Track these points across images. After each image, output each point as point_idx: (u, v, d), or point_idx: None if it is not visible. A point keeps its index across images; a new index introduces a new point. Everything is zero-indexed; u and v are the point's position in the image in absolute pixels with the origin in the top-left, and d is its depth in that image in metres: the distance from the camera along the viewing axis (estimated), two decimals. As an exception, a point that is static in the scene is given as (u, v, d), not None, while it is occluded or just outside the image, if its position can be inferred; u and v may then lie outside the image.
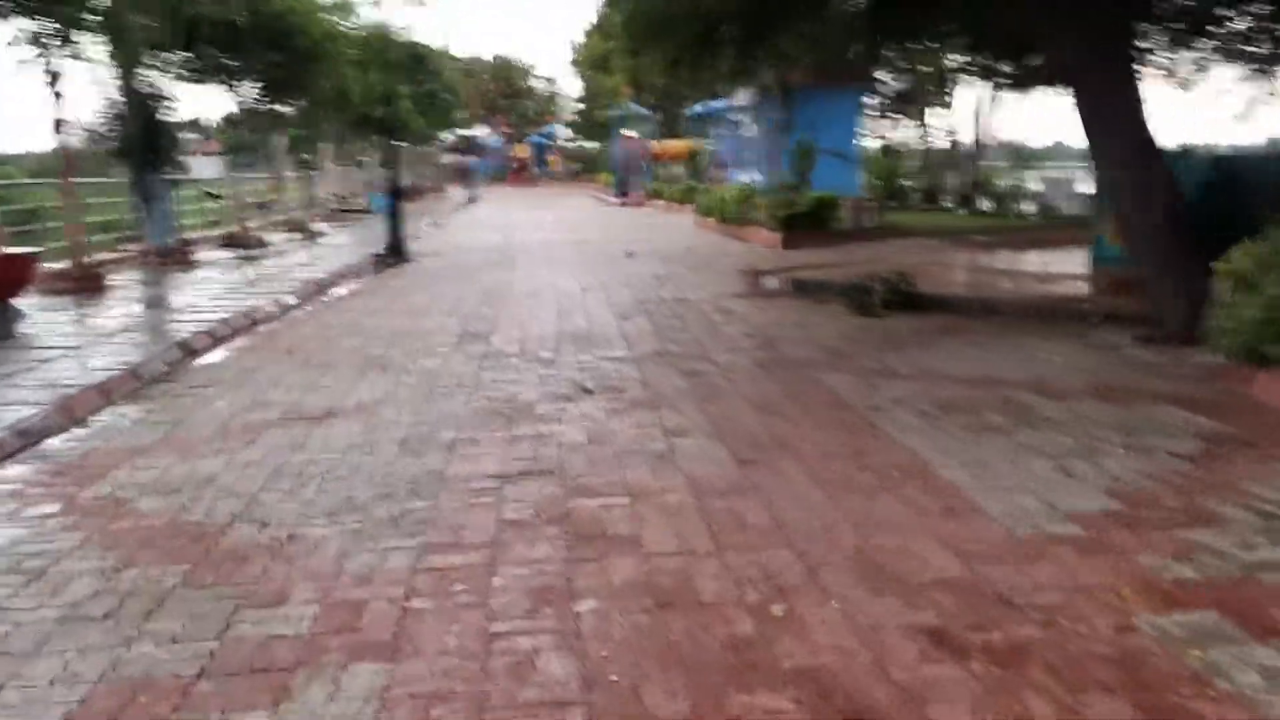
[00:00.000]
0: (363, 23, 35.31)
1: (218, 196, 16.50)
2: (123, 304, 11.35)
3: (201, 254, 16.53)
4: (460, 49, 53.18)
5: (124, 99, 14.28)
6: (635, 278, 14.22)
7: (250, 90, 19.83)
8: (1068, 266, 13.31)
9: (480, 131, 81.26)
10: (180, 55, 17.92)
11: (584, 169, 73.82)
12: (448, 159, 68.69)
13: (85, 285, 12.20)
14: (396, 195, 17.71)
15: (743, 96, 26.93)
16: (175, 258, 14.99)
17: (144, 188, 14.74)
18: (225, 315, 10.37)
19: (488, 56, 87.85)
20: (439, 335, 9.82)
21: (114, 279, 13.25)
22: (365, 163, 30.84)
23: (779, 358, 8.45)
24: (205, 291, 12.48)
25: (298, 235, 21.68)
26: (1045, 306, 10.42)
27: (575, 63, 76.55)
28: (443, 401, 7.22)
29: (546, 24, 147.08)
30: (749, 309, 11.05)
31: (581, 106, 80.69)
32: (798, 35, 14.27)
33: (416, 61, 43.43)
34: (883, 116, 29.42)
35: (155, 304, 11.50)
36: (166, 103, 15.03)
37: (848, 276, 12.16)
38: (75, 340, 8.97)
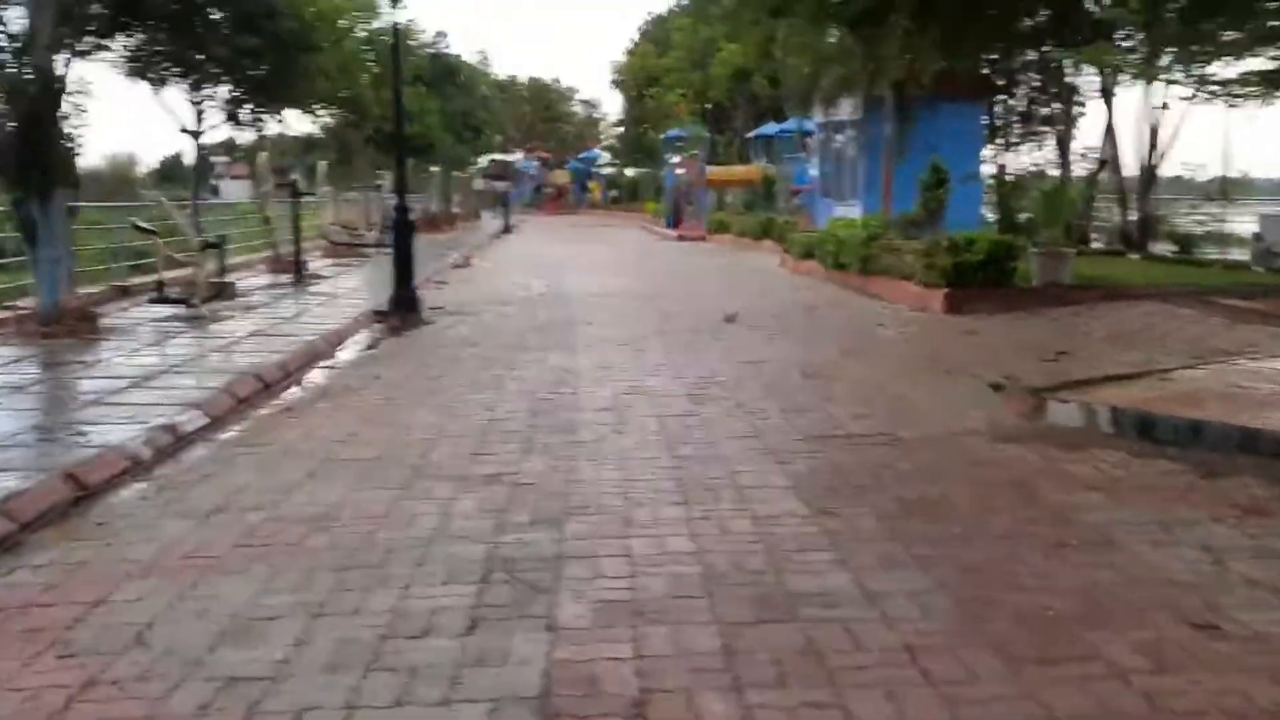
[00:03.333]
0: (382, 25, 30.66)
1: (150, 231, 11.44)
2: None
3: (117, 315, 11.52)
4: (497, 69, 48.44)
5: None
6: (772, 372, 8.99)
7: (221, 90, 14.86)
8: None
9: (515, 156, 77.03)
10: (119, 41, 13.04)
11: (625, 197, 69.19)
12: (480, 185, 64.29)
13: None
14: (405, 229, 12.63)
15: (846, 110, 21.77)
16: (67, 324, 9.96)
17: (25, 220, 9.76)
18: (21, 479, 5.28)
19: (524, 78, 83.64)
20: (433, 564, 4.60)
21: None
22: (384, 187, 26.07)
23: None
24: (47, 397, 7.45)
25: (284, 278, 16.67)
26: None
27: (617, 83, 71.56)
28: None
29: (587, 43, 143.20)
30: (1097, 508, 5.74)
31: (621, 130, 76.05)
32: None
33: (447, 74, 38.77)
34: (1001, 138, 24.11)
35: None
36: (65, 96, 10.06)
37: (1222, 403, 6.84)
38: None
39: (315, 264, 19.84)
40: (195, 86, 13.79)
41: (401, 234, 12.62)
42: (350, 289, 15.75)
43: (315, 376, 9.06)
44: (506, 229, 39.56)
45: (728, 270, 20.35)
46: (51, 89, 9.71)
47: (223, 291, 13.74)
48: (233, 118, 16.52)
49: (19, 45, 9.41)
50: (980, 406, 7.40)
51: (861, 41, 17.92)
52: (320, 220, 20.90)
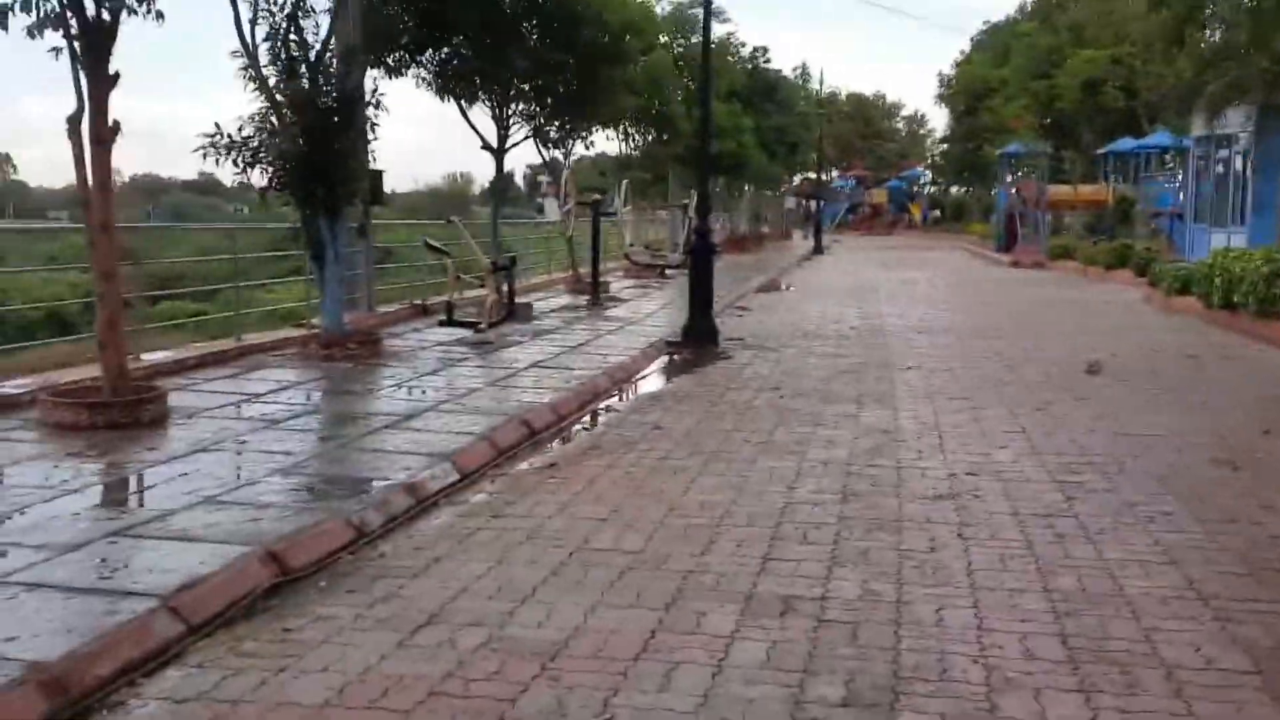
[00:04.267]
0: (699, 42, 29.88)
1: (441, 250, 10.87)
2: (125, 466, 5.72)
3: (407, 336, 11.03)
4: (818, 84, 46.74)
5: (284, 95, 8.92)
6: (1166, 454, 6.82)
7: (525, 106, 14.30)
8: None
9: (831, 175, 74.88)
10: (427, 55, 12.73)
11: (947, 217, 65.14)
12: (792, 204, 62.92)
13: (124, 413, 6.71)
14: (704, 252, 11.35)
15: (1235, 121, 18.30)
16: (349, 347, 9.44)
17: (314, 241, 9.32)
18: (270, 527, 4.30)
19: (845, 94, 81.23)
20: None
21: (191, 392, 7.84)
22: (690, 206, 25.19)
23: None
24: (295, 437, 6.65)
25: (583, 299, 15.96)
26: None
27: (944, 96, 67.54)
28: None
29: (912, 56, 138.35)
30: None
31: (945, 147, 71.89)
32: None
33: (765, 91, 37.64)
34: None
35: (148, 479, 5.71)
36: (366, 109, 9.57)
37: None
38: None
39: (616, 284, 19.15)
40: (500, 102, 13.15)
41: (701, 257, 11.34)
42: (647, 313, 14.72)
43: (590, 421, 7.91)
44: (818, 250, 37.89)
45: (1078, 305, 17.56)
46: (348, 103, 9.19)
47: (513, 313, 13.08)
48: (538, 134, 16.03)
49: (312, 57, 8.93)
50: None
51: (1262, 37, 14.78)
52: (623, 239, 20.23)
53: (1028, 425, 7.52)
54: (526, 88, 13.02)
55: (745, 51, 34.09)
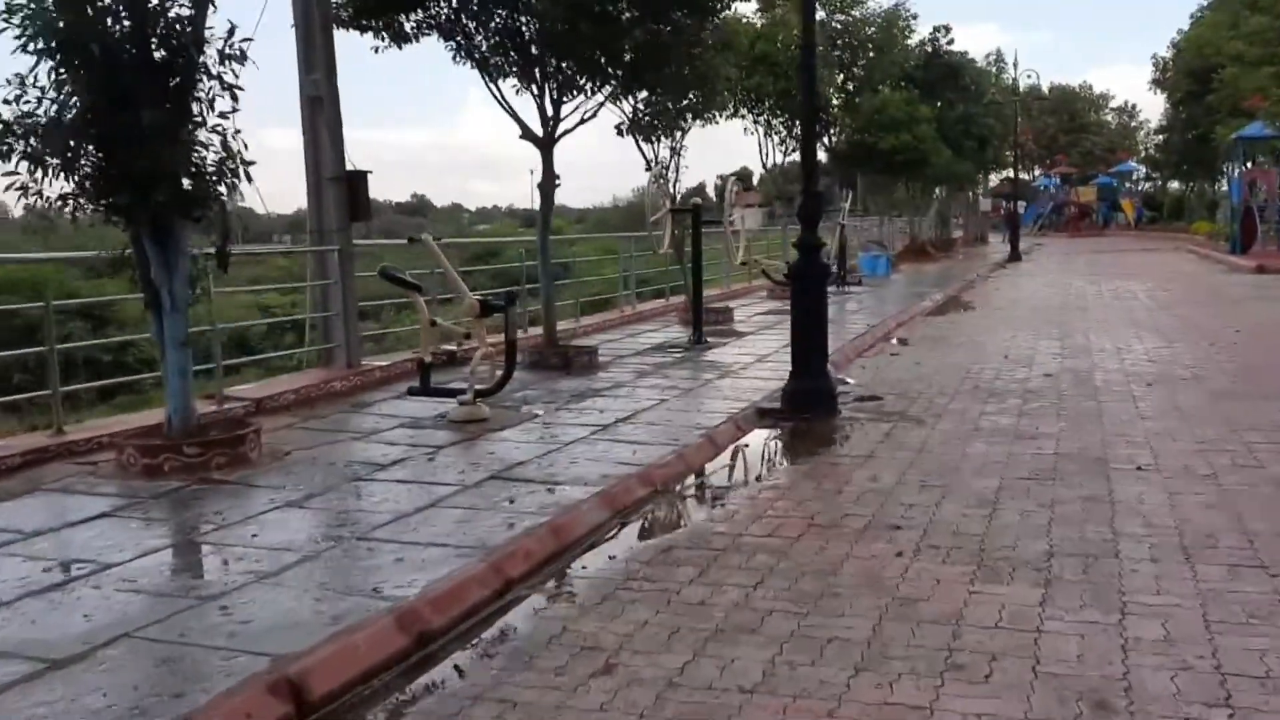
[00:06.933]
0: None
1: (408, 284, 7.45)
2: None
3: (335, 417, 7.64)
4: (1014, 73, 41.14)
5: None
6: None
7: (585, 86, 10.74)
8: None
9: (1033, 172, 68.33)
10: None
11: (1164, 216, 58.02)
12: (986, 205, 57.08)
13: None
14: (812, 279, 7.57)
15: None
16: (184, 455, 5.87)
17: (143, 278, 5.95)
18: None
19: (1046, 86, 73.93)
20: None
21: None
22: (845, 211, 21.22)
23: None
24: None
25: (679, 343, 12.30)
26: None
27: (1159, 82, 59.92)
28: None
29: (1122, 42, 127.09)
30: None
31: (1161, 138, 64.02)
32: None
33: (948, 76, 32.83)
34: None
35: None
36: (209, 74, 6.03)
37: None
38: None
39: (745, 311, 15.50)
40: (535, 78, 9.60)
41: (806, 285, 7.57)
42: (761, 355, 11.01)
43: (601, 561, 4.47)
44: (1015, 256, 32.95)
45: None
46: (177, 53, 5.68)
47: (570, 363, 9.68)
48: (635, 125, 12.58)
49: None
50: None
51: None
52: (734, 252, 16.47)
53: None
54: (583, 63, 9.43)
55: (919, 26, 29.34)
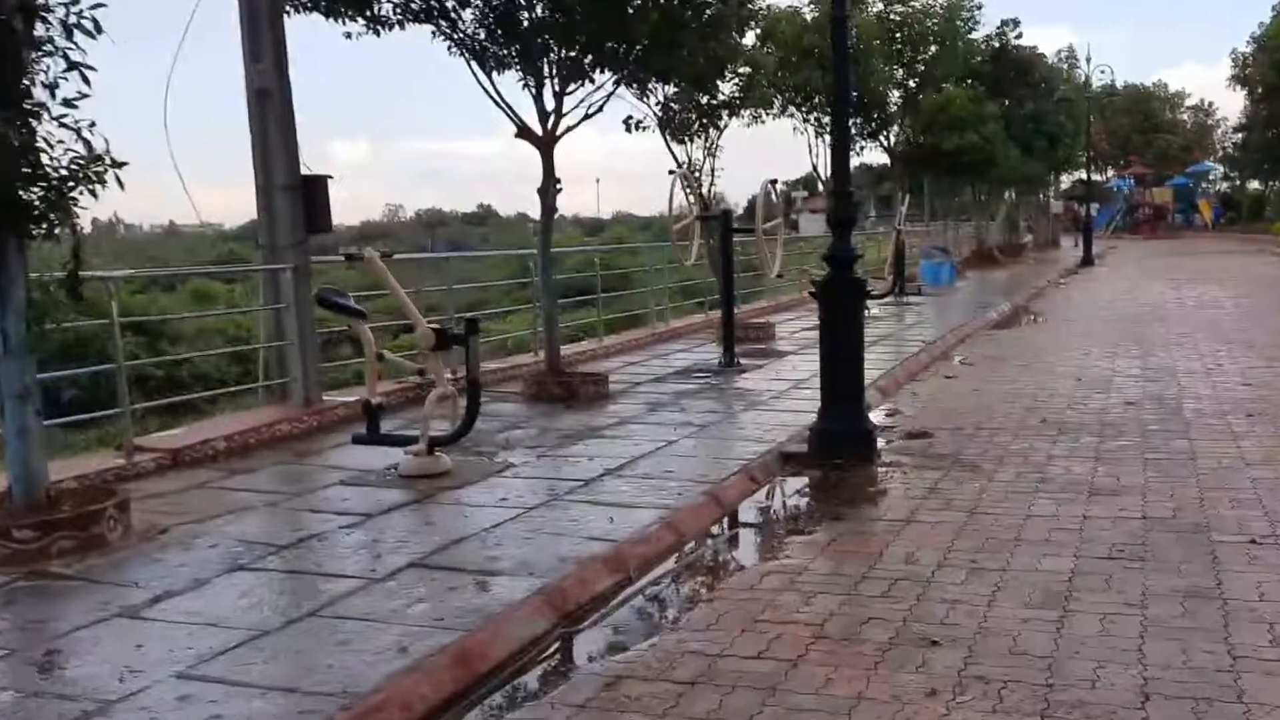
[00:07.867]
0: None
1: (353, 313, 6.28)
2: None
3: (243, 470, 6.53)
4: (1087, 71, 39.03)
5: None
6: None
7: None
8: None
9: (1106, 174, 65.75)
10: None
11: (1243, 217, 55.35)
12: (1058, 207, 54.83)
13: None
14: (845, 299, 6.34)
15: None
16: (12, 540, 4.58)
17: None
18: None
19: (1120, 85, 71.02)
20: None
21: None
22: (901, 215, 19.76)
23: None
24: None
25: (718, 356, 11.14)
26: None
27: (1239, 78, 57.16)
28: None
29: (1198, 40, 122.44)
30: None
31: (1240, 136, 61.10)
32: None
33: (1016, 72, 31.08)
34: None
35: None
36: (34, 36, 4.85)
37: None
38: None
39: (789, 326, 14.25)
40: (535, 66, 8.39)
41: (837, 304, 6.34)
42: (799, 379, 9.74)
43: (515, 712, 3.28)
44: (1087, 260, 31.25)
45: None
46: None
47: (575, 393, 8.54)
48: (666, 124, 11.46)
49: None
50: None
51: None
52: (771, 264, 15.16)
53: None
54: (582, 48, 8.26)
55: (986, 18, 27.55)
